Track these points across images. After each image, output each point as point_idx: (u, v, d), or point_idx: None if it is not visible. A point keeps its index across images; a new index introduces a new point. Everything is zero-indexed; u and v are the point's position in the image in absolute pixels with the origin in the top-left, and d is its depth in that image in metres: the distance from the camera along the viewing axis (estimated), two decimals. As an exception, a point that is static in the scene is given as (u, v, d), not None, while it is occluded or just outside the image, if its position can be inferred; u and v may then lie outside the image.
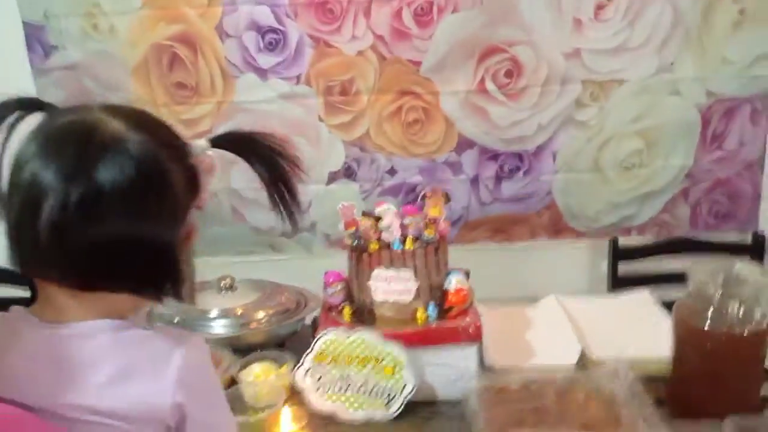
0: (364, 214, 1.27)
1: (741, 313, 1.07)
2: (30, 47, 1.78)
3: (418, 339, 1.19)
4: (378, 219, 1.26)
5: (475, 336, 1.19)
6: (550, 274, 1.94)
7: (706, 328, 1.09)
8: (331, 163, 1.87)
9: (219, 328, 1.34)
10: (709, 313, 1.09)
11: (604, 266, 1.97)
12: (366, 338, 1.18)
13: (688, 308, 1.13)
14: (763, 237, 1.92)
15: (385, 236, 1.23)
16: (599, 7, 1.75)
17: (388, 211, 1.30)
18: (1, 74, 1.79)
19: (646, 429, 1.01)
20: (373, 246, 1.23)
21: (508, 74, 1.79)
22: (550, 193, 1.90)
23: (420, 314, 1.21)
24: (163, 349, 0.73)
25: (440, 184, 1.86)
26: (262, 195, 1.89)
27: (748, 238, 1.94)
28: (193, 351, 0.75)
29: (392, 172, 1.88)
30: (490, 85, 1.79)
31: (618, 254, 1.93)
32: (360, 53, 1.77)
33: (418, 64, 1.78)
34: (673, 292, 1.59)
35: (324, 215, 1.91)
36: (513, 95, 1.80)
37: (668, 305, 1.48)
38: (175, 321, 1.37)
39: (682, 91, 1.81)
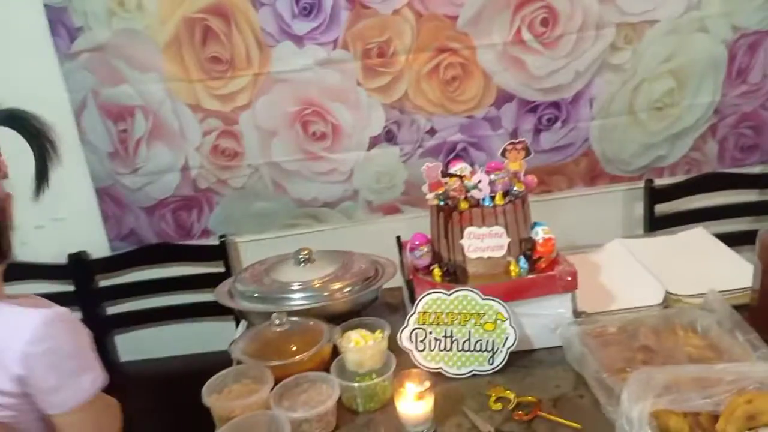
0: (446, 174, 1.27)
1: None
2: (54, 31, 1.71)
3: (516, 292, 1.22)
4: (461, 177, 1.26)
5: (571, 284, 1.22)
6: (590, 221, 1.98)
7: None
8: (372, 128, 1.86)
9: (303, 300, 1.34)
10: (796, 240, 1.14)
11: (639, 209, 2.02)
12: (467, 295, 1.19)
13: (774, 237, 1.18)
14: (789, 166, 1.99)
15: (473, 194, 1.23)
16: (629, -50, 1.75)
17: (466, 169, 1.31)
18: (26, 63, 1.73)
19: (753, 353, 1.06)
20: (463, 205, 1.23)
21: (544, 23, 1.79)
22: (587, 140, 1.93)
23: (513, 267, 1.23)
24: (12, 321, 0.85)
25: (480, 141, 1.88)
26: (304, 166, 1.91)
27: (775, 169, 2.01)
28: (43, 323, 0.86)
29: (432, 132, 1.87)
30: (526, 35, 1.79)
31: (654, 196, 1.98)
32: (396, 12, 1.75)
33: (454, 18, 1.76)
34: (714, 227, 1.68)
35: (366, 181, 1.91)
36: (549, 44, 1.80)
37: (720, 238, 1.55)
38: (257, 296, 1.36)
39: (710, 28, 1.84)
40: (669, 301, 1.31)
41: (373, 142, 1.87)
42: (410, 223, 1.86)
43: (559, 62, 1.83)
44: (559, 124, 1.90)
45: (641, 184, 1.99)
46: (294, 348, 1.20)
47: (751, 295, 1.24)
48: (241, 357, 1.17)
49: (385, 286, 1.43)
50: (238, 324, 1.53)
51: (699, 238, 1.56)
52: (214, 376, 1.12)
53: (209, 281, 1.76)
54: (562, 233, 1.84)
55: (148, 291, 1.94)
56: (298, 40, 1.75)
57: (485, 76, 1.82)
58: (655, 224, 1.99)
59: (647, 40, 1.83)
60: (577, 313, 1.25)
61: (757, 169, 2.02)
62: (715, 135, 1.97)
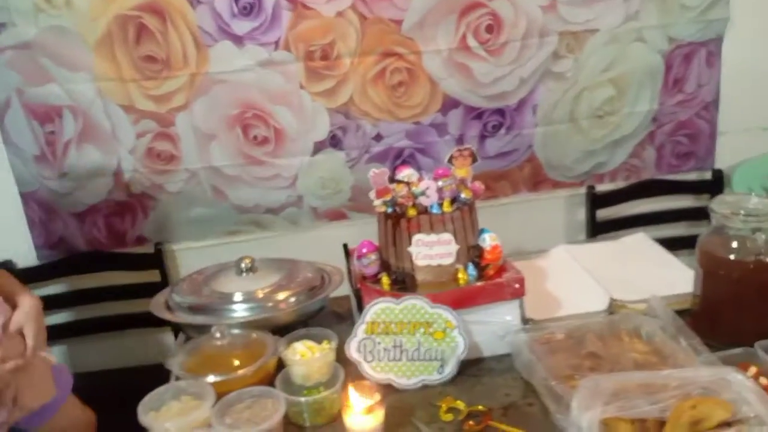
0: (394, 180, 1.24)
1: (764, 240, 1.15)
2: (-27, 26, 1.59)
3: (464, 299, 1.20)
4: (408, 184, 1.24)
5: (519, 291, 1.21)
6: (532, 226, 2.00)
7: (731, 258, 1.16)
8: (316, 133, 1.82)
9: (244, 311, 1.28)
10: (734, 245, 1.17)
11: (581, 214, 2.06)
12: (416, 304, 1.17)
13: (713, 242, 1.20)
14: (720, 172, 2.06)
15: (421, 200, 1.21)
16: (571, -41, 1.78)
17: (413, 175, 1.28)
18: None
19: (697, 357, 1.08)
20: (411, 211, 1.21)
21: (489, 29, 1.79)
22: (531, 147, 1.95)
23: (462, 275, 1.22)
24: None
25: (426, 147, 1.87)
26: (245, 171, 1.86)
27: (708, 175, 2.08)
28: None
29: (378, 137, 1.85)
30: (471, 42, 1.79)
31: (595, 201, 2.02)
32: (340, 14, 1.72)
33: (399, 22, 1.75)
34: (652, 232, 1.72)
35: (310, 187, 1.87)
36: (494, 51, 1.81)
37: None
38: (194, 307, 1.30)
39: (647, 38, 1.89)
40: (614, 307, 1.32)
41: (318, 147, 1.83)
42: (357, 229, 1.81)
43: (503, 69, 1.84)
44: (503, 130, 1.91)
45: (583, 190, 2.03)
46: (237, 362, 1.15)
47: (692, 300, 1.26)
48: (180, 373, 1.11)
49: (332, 295, 1.39)
50: (176, 336, 1.46)
51: (640, 243, 1.59)
52: (151, 393, 1.05)
53: (144, 291, 1.66)
54: (507, 239, 1.83)
55: (79, 302, 1.84)
56: (238, 39, 1.69)
57: (431, 82, 1.81)
58: (597, 229, 2.03)
59: (588, 48, 1.86)
60: (524, 320, 1.25)
61: (692, 176, 2.09)
62: (653, 142, 2.02)
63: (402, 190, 1.21)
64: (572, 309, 1.32)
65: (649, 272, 1.43)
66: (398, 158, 1.87)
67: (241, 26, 1.69)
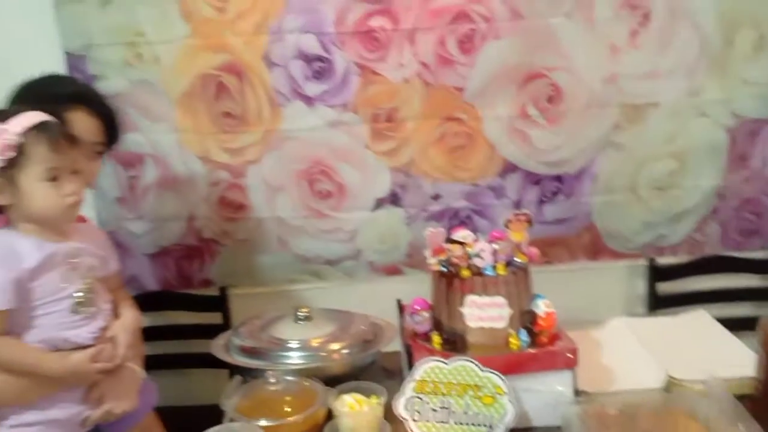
0: (450, 240, 1.28)
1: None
2: (72, 78, 1.75)
3: (516, 365, 1.20)
4: (463, 245, 1.26)
5: (572, 361, 1.20)
6: (590, 295, 1.97)
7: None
8: (378, 190, 1.88)
9: (300, 359, 1.32)
10: (799, 329, 1.14)
11: (641, 287, 2.02)
12: (466, 366, 1.18)
13: (776, 324, 1.17)
14: (789, 252, 2.00)
15: (475, 262, 1.24)
16: (633, 33, 1.82)
17: (469, 236, 1.31)
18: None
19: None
20: (465, 272, 1.23)
21: (549, 99, 1.83)
22: (589, 215, 1.95)
23: (513, 340, 1.22)
24: None
25: (484, 209, 1.90)
26: (308, 223, 1.93)
27: (777, 255, 2.02)
28: None
29: (437, 197, 1.90)
30: (531, 110, 1.84)
31: (657, 274, 1.98)
32: (405, 80, 1.80)
33: (461, 90, 1.81)
34: (714, 310, 1.67)
35: (369, 242, 1.92)
36: (554, 120, 1.85)
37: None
38: (251, 351, 1.34)
39: (710, 113, 1.89)
40: (670, 385, 1.29)
41: (379, 204, 1.89)
42: (411, 285, 1.82)
43: (562, 138, 1.87)
44: (561, 197, 1.92)
45: (644, 261, 2.00)
46: (288, 409, 1.18)
47: (754, 384, 1.22)
48: (233, 414, 1.14)
49: (384, 350, 1.41)
50: (232, 377, 1.50)
51: (701, 320, 1.56)
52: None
53: (206, 332, 1.74)
54: (562, 306, 1.82)
55: (145, 338, 1.91)
56: (309, 100, 1.79)
57: (490, 146, 1.86)
58: (657, 303, 1.99)
59: (649, 121, 1.87)
60: (577, 392, 1.23)
61: (759, 254, 2.03)
62: (717, 218, 1.98)
63: (457, 250, 1.24)
64: (627, 383, 1.30)
65: (708, 351, 1.40)
66: (455, 218, 1.90)
67: (313, 89, 1.79)
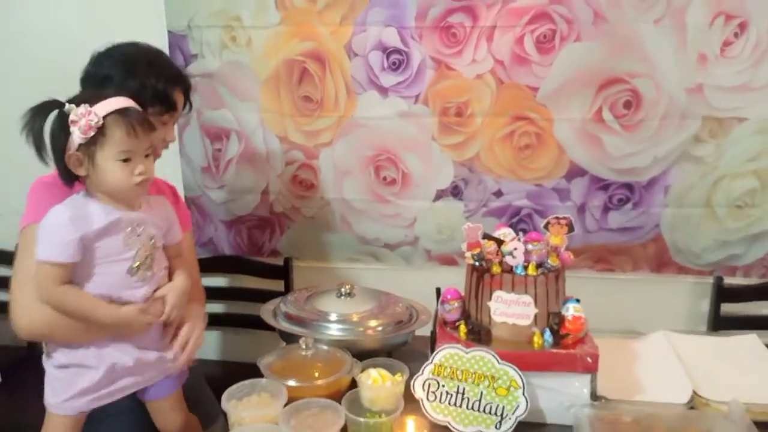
0: (486, 236, 1.32)
1: None
2: (172, 55, 1.93)
3: (534, 363, 1.23)
4: (500, 242, 1.30)
5: (592, 366, 1.22)
6: (650, 308, 1.95)
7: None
8: (440, 181, 1.94)
9: (336, 331, 1.42)
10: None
11: (705, 305, 1.95)
12: (484, 356, 1.23)
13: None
14: None
15: (508, 260, 1.27)
16: (726, 44, 1.74)
17: (509, 234, 1.35)
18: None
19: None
20: (496, 269, 1.28)
21: (627, 105, 1.80)
22: (658, 227, 1.90)
23: (537, 339, 1.25)
24: None
25: (546, 210, 1.90)
26: (371, 206, 2.01)
27: None
28: None
29: (499, 194, 1.92)
30: (607, 115, 1.81)
31: (722, 294, 1.90)
32: (478, 76, 1.83)
33: (535, 89, 1.82)
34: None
35: (427, 230, 1.99)
36: (630, 126, 1.81)
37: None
38: (295, 318, 1.45)
39: (803, 133, 1.78)
40: (696, 403, 1.27)
41: (440, 195, 1.95)
42: (464, 276, 1.90)
43: (637, 145, 1.83)
44: (630, 205, 1.89)
45: (710, 279, 1.93)
46: (316, 374, 1.28)
47: (784, 413, 1.18)
48: (265, 372, 1.26)
49: (420, 333, 1.48)
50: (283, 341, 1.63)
51: (749, 345, 1.50)
52: (236, 385, 1.22)
53: (269, 297, 1.87)
54: (620, 316, 1.84)
55: (215, 297, 2.10)
56: (383, 90, 1.88)
57: (559, 148, 1.86)
58: (719, 324, 1.91)
59: (733, 136, 1.79)
60: (595, 397, 1.24)
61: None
62: (798, 243, 1.87)
63: (490, 246, 1.29)
64: (651, 396, 1.29)
65: (746, 376, 1.35)
66: (516, 216, 1.93)
67: (388, 79, 1.87)
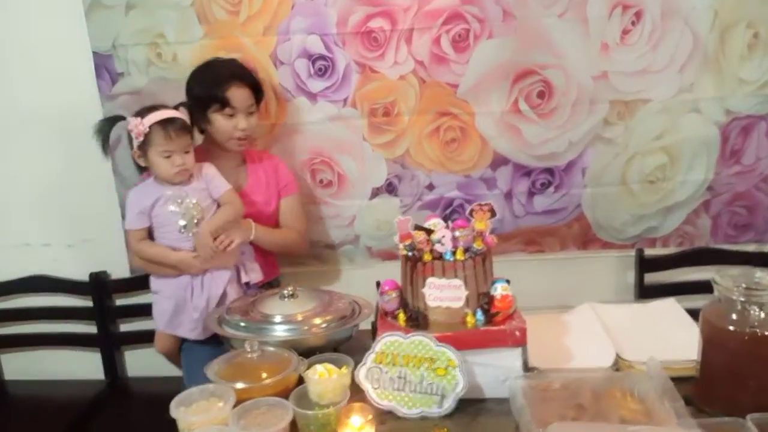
0: (417, 227, 1.40)
1: (762, 315, 1.18)
2: (98, 75, 1.94)
3: (468, 341, 1.31)
4: (430, 231, 1.38)
5: (520, 339, 1.31)
6: (580, 283, 2.07)
7: (730, 329, 1.20)
8: (375, 180, 2.01)
9: (282, 332, 1.47)
10: (733, 316, 1.21)
11: (630, 276, 2.09)
12: (422, 340, 1.30)
13: (714, 312, 1.25)
14: (781, 245, 2.03)
15: (437, 248, 1.35)
16: (625, 32, 1.88)
17: (438, 224, 1.43)
18: (72, 99, 1.97)
19: (678, 421, 1.13)
20: (427, 257, 1.35)
21: (540, 95, 1.92)
22: (579, 206, 2.03)
23: (469, 319, 1.34)
24: None
25: (476, 198, 2.00)
26: (311, 209, 2.05)
27: (766, 248, 2.04)
28: None
29: (431, 187, 2.01)
30: (523, 106, 1.93)
31: (644, 265, 2.04)
32: (402, 77, 1.92)
33: (455, 86, 1.92)
34: (698, 301, 1.72)
35: (367, 229, 2.05)
36: (545, 115, 1.93)
37: (693, 313, 1.61)
38: (242, 325, 1.49)
39: (702, 110, 1.94)
40: (620, 365, 1.38)
41: (375, 193, 2.02)
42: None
43: (553, 132, 1.95)
44: (552, 189, 2.01)
45: (633, 252, 2.06)
46: (264, 375, 1.33)
47: (695, 366, 1.30)
48: (213, 377, 1.30)
49: (365, 327, 1.55)
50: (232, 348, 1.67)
51: (668, 309, 1.63)
52: (184, 392, 1.25)
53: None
54: (553, 293, 1.95)
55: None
56: (312, 96, 1.94)
57: (482, 140, 1.96)
58: (645, 293, 2.05)
59: (639, 117, 1.93)
60: (527, 368, 1.34)
61: (750, 248, 2.07)
62: (708, 211, 2.03)
63: (420, 236, 1.36)
64: (579, 363, 1.39)
65: (665, 337, 1.47)
66: (449, 207, 2.02)
67: (316, 85, 1.93)
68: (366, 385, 1.32)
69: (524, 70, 1.90)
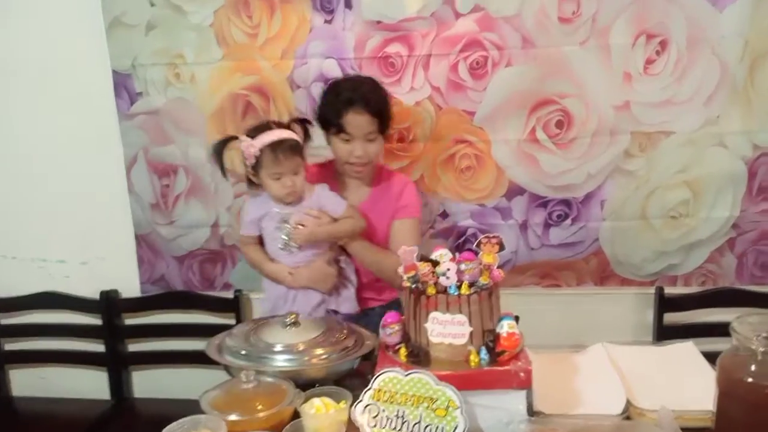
0: (423, 259, 1.36)
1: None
2: (117, 94, 1.96)
3: (470, 381, 1.26)
4: (435, 263, 1.34)
5: (525, 381, 1.25)
6: (596, 320, 2.00)
7: (749, 381, 1.13)
8: (387, 206, 1.97)
9: (282, 362, 1.43)
10: (752, 367, 1.14)
11: (649, 315, 2.01)
12: (422, 378, 1.25)
13: (732, 361, 1.18)
14: (810, 288, 1.93)
15: (441, 280, 1.31)
16: (649, 62, 1.83)
17: (445, 255, 1.38)
18: (91, 117, 1.99)
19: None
20: (431, 290, 1.31)
21: (559, 125, 1.87)
22: (597, 240, 1.96)
23: (473, 357, 1.28)
24: None
25: (490, 228, 1.95)
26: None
27: (795, 291, 1.95)
28: None
29: (444, 215, 1.97)
30: (540, 135, 1.88)
31: (664, 304, 1.97)
32: (417, 103, 1.89)
33: (471, 114, 1.89)
34: (719, 344, 1.64)
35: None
36: (563, 145, 1.88)
37: (713, 356, 1.53)
38: (242, 353, 1.46)
39: (728, 144, 1.87)
40: (631, 413, 1.31)
41: (388, 219, 1.98)
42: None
43: (571, 163, 1.90)
44: (569, 221, 1.95)
45: (652, 290, 1.99)
46: (259, 406, 1.29)
47: (711, 418, 1.23)
48: (206, 408, 1.27)
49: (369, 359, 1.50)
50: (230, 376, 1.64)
51: (686, 353, 1.55)
52: (175, 422, 1.22)
53: (219, 331, 1.89)
54: (568, 330, 1.89)
55: (166, 334, 2.10)
56: (327, 121, 1.91)
57: (498, 168, 1.92)
58: (663, 333, 1.98)
59: (662, 149, 1.88)
60: (532, 412, 1.28)
61: (776, 289, 1.98)
62: (733, 249, 1.95)
63: (425, 268, 1.32)
64: (588, 408, 1.32)
65: (683, 384, 1.39)
66: (462, 236, 1.98)
67: (331, 109, 1.91)
68: (362, 423, 1.27)
69: (543, 99, 1.87)
